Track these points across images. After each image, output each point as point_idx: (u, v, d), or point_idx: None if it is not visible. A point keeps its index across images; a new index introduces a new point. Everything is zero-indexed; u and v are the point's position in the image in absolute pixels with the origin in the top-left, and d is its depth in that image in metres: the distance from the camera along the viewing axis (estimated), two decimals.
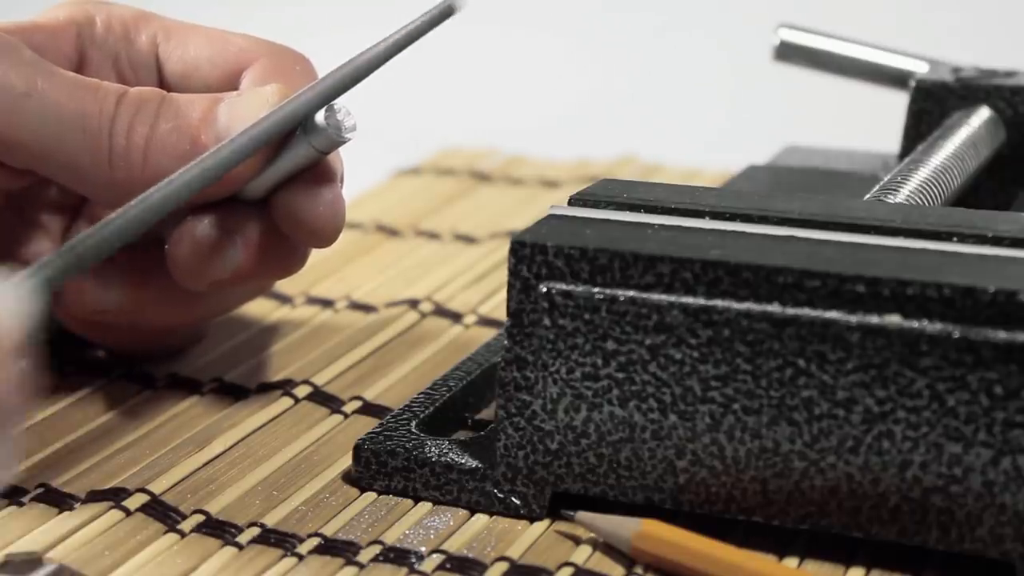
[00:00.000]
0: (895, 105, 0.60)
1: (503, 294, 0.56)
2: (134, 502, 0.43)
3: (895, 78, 0.60)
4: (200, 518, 0.43)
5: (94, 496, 0.44)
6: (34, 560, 0.41)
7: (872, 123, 0.63)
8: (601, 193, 0.45)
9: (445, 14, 0.45)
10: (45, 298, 0.36)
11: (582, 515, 0.42)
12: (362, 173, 0.70)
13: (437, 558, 0.41)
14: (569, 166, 0.74)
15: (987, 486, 0.39)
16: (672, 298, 0.40)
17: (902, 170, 0.51)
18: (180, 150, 0.44)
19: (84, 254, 0.39)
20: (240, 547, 0.42)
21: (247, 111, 0.45)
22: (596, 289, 0.41)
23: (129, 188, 0.43)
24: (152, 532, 0.42)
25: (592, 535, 0.42)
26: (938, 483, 0.39)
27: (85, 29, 0.48)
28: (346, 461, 0.46)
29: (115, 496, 0.44)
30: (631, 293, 0.41)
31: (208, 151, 0.43)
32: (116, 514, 0.43)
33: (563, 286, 0.41)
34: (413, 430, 0.45)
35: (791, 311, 0.40)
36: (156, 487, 0.44)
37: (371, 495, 0.44)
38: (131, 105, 0.45)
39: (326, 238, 0.46)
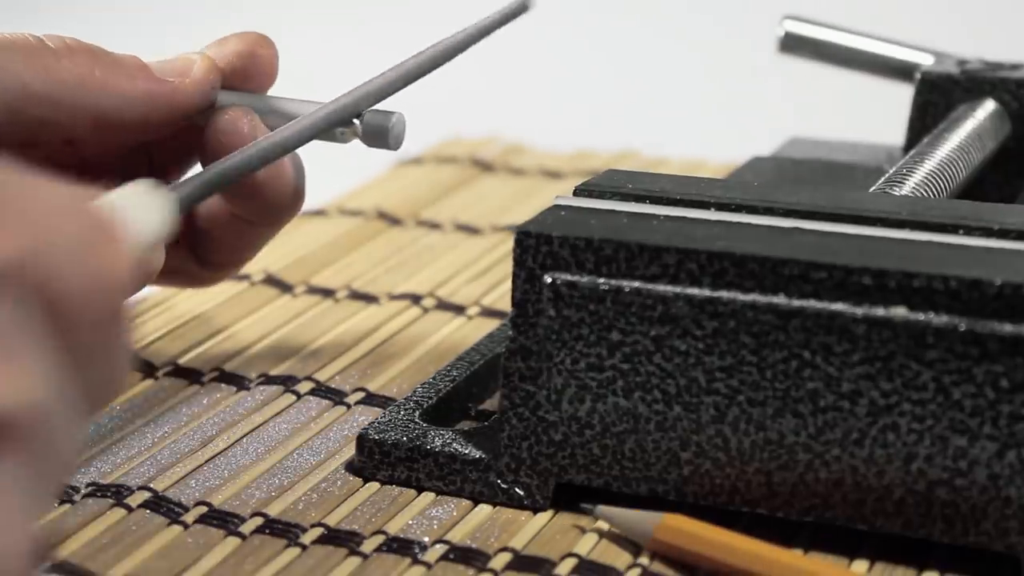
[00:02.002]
0: (900, 97, 0.60)
1: (506, 286, 0.56)
2: (136, 499, 0.43)
3: (900, 70, 0.60)
4: (203, 509, 0.43)
5: (95, 491, 0.44)
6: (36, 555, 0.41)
7: (877, 115, 0.63)
8: (606, 183, 0.45)
9: (519, 10, 0.47)
10: (176, 216, 0.38)
11: (602, 509, 0.42)
12: (364, 162, 0.70)
13: (440, 548, 0.41)
14: (571, 156, 0.74)
15: (992, 479, 0.39)
16: (677, 289, 0.40)
17: (907, 162, 0.51)
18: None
19: (213, 180, 0.41)
20: (243, 537, 0.42)
21: (178, 64, 0.48)
22: (601, 280, 0.41)
23: None
24: (155, 525, 0.42)
25: (596, 526, 0.42)
26: (943, 476, 0.39)
27: None
28: (349, 451, 0.46)
29: (117, 494, 0.43)
30: (636, 284, 0.41)
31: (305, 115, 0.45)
32: (119, 511, 0.43)
33: (568, 276, 0.41)
34: (416, 420, 0.45)
35: (797, 303, 0.40)
36: (158, 484, 0.44)
37: (374, 485, 0.44)
38: None
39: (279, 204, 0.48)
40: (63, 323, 0.32)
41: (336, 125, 0.46)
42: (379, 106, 0.46)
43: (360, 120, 0.46)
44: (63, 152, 0.47)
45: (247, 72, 0.49)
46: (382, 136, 0.46)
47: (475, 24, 0.47)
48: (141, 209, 0.37)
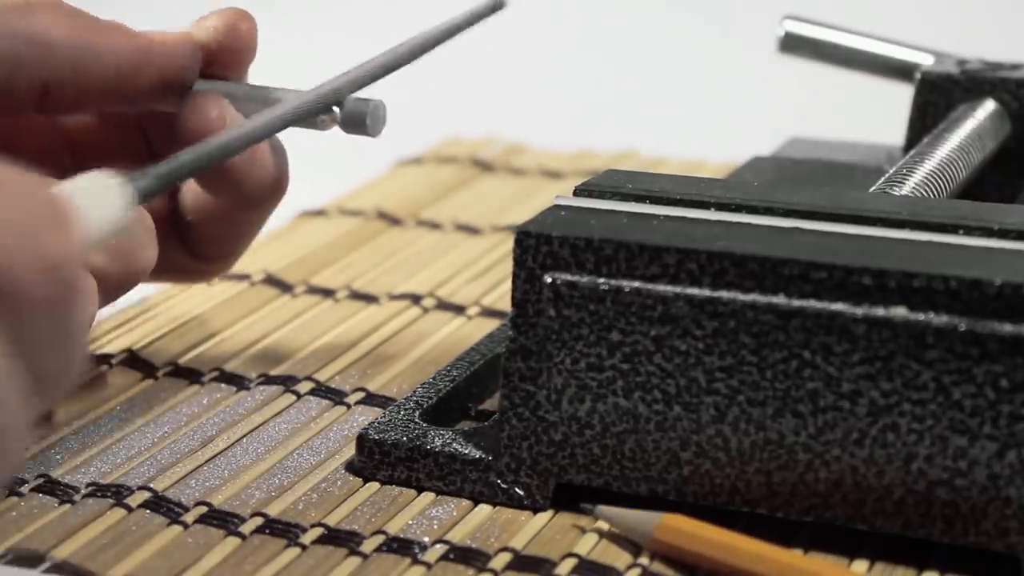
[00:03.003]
0: (900, 97, 0.60)
1: (506, 286, 0.56)
2: (136, 499, 0.43)
3: (900, 70, 0.60)
4: (203, 509, 0.43)
5: (95, 491, 0.44)
6: (36, 556, 0.41)
7: (877, 115, 0.63)
8: (606, 183, 0.45)
9: (493, 8, 0.47)
10: (133, 207, 0.37)
11: (602, 509, 0.42)
12: (364, 162, 0.70)
13: (440, 548, 0.41)
14: (571, 156, 0.74)
15: (992, 479, 0.39)
16: (677, 289, 0.40)
17: (907, 162, 0.51)
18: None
19: (175, 170, 0.40)
20: (243, 537, 0.42)
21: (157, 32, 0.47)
22: (601, 280, 0.41)
23: None
24: (155, 525, 0.42)
25: (596, 526, 0.42)
26: (943, 476, 0.39)
27: None
28: (349, 451, 0.46)
29: (117, 494, 0.43)
30: (636, 284, 0.41)
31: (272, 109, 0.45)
32: (119, 511, 0.43)
33: (568, 276, 0.41)
34: (416, 420, 0.45)
35: (797, 303, 0.40)
36: (158, 484, 0.44)
37: (374, 485, 0.44)
38: None
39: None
40: (10, 307, 0.32)
41: (315, 113, 0.46)
42: (358, 94, 0.47)
43: (340, 107, 0.46)
44: (46, 106, 0.46)
45: (228, 46, 0.48)
46: (361, 122, 0.46)
47: (445, 22, 0.47)
48: (97, 198, 0.36)
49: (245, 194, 0.48)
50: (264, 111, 0.45)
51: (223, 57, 0.48)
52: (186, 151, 0.41)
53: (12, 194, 0.33)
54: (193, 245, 0.50)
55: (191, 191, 0.49)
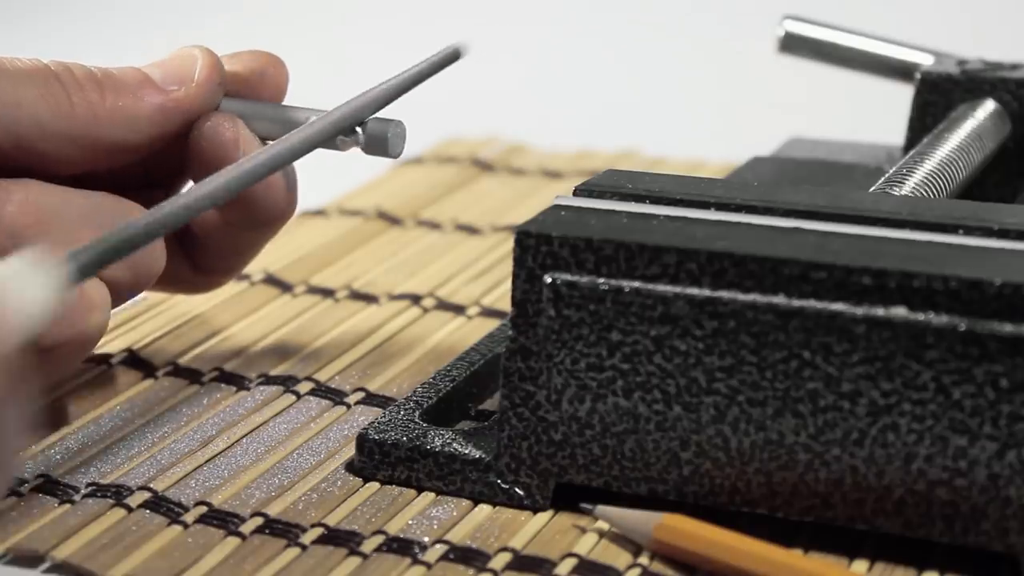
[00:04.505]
0: (900, 97, 0.60)
1: (506, 286, 0.56)
2: (136, 499, 0.43)
3: (900, 70, 0.60)
4: (203, 509, 0.43)
5: (95, 491, 0.44)
6: (36, 556, 0.41)
7: (877, 115, 0.63)
8: (606, 183, 0.45)
9: (451, 58, 0.47)
10: (72, 288, 0.35)
11: (602, 509, 0.42)
12: (364, 162, 0.70)
13: (440, 548, 0.41)
14: (571, 156, 0.74)
15: (992, 479, 0.39)
16: (677, 289, 0.40)
17: (907, 162, 0.51)
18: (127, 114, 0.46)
19: (120, 245, 0.37)
20: (243, 537, 0.42)
21: (178, 65, 0.47)
22: (601, 280, 0.41)
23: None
24: (155, 525, 0.42)
25: (596, 526, 0.42)
26: (943, 476, 0.39)
27: None
28: (349, 451, 0.46)
29: (117, 494, 0.43)
30: (636, 284, 0.41)
31: (244, 156, 0.45)
32: (119, 511, 0.43)
33: (568, 276, 0.41)
34: (416, 420, 0.45)
35: (797, 303, 0.40)
36: (158, 484, 0.44)
37: (374, 485, 0.44)
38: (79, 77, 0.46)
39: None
40: None
41: (336, 135, 0.46)
42: (378, 115, 0.47)
43: (363, 129, 0.46)
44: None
45: (254, 89, 0.48)
46: (383, 144, 0.46)
47: (405, 71, 0.47)
48: (26, 282, 0.34)
49: (256, 214, 0.48)
50: (283, 137, 0.44)
51: (248, 97, 0.48)
52: (199, 186, 0.41)
53: None
54: (197, 258, 0.50)
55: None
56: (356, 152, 0.47)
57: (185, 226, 0.49)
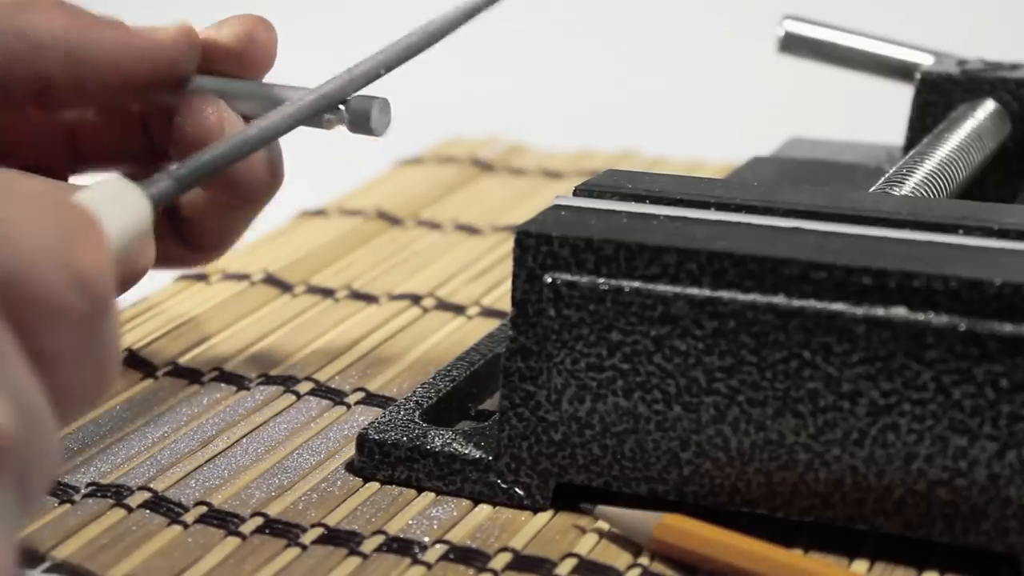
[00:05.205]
0: (900, 97, 0.60)
1: (506, 286, 0.56)
2: (136, 499, 0.43)
3: (900, 70, 0.60)
4: (203, 509, 0.43)
5: (95, 491, 0.44)
6: (36, 556, 0.41)
7: (877, 115, 0.63)
8: (606, 183, 0.45)
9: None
10: (149, 214, 0.37)
11: (602, 509, 0.42)
12: (364, 162, 0.70)
13: (440, 548, 0.41)
14: (571, 156, 0.74)
15: (992, 479, 0.39)
16: (677, 289, 0.40)
17: (907, 162, 0.51)
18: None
19: (189, 175, 0.40)
20: (243, 537, 0.42)
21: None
22: (601, 280, 0.41)
23: None
24: (155, 525, 0.42)
25: (596, 526, 0.42)
26: (943, 476, 0.39)
27: None
28: (349, 451, 0.46)
29: (117, 494, 0.43)
30: (636, 284, 0.41)
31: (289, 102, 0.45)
32: (119, 511, 0.43)
33: (568, 276, 0.41)
34: (416, 420, 0.45)
35: (797, 303, 0.40)
36: (158, 484, 0.44)
37: (374, 485, 0.44)
38: None
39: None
40: (40, 324, 0.31)
41: (320, 113, 0.46)
42: (363, 91, 0.46)
43: (346, 106, 0.46)
44: (44, 101, 0.46)
45: (244, 55, 0.48)
46: (366, 120, 0.46)
47: (456, 7, 0.47)
48: (118, 205, 0.36)
49: (240, 191, 0.48)
50: (269, 113, 0.44)
51: (237, 67, 0.48)
52: (200, 154, 0.41)
53: (38, 207, 0.32)
54: (187, 236, 0.50)
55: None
56: (355, 143, 0.47)
57: (174, 207, 0.49)
